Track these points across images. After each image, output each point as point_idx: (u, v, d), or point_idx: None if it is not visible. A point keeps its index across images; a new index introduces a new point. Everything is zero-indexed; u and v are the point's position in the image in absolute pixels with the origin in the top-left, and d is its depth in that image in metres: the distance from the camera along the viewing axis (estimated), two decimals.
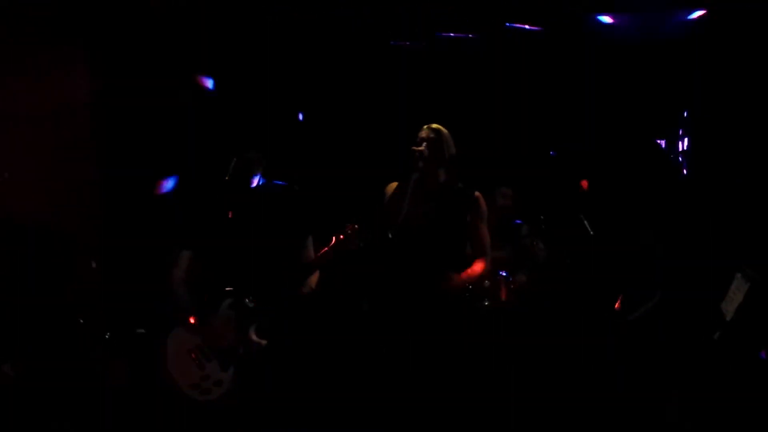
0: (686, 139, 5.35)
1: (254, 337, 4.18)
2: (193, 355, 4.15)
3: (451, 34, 5.84)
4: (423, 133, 4.40)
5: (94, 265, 4.96)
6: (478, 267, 4.35)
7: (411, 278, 4.30)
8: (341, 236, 4.17)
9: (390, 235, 4.40)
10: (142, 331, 5.14)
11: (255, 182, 4.35)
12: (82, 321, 4.89)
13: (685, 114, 5.46)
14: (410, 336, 4.29)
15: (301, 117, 5.46)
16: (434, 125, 4.42)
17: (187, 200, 4.31)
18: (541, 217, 5.30)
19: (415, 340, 4.28)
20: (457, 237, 4.34)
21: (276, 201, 4.37)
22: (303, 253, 4.38)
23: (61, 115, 5.08)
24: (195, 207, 4.29)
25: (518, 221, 5.53)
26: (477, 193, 4.38)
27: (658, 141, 5.03)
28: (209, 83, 5.45)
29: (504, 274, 5.17)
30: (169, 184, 4.88)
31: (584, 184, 5.00)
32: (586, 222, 4.70)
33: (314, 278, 4.38)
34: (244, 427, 4.15)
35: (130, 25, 5.31)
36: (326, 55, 6.00)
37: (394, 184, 4.48)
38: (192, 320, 4.17)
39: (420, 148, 4.34)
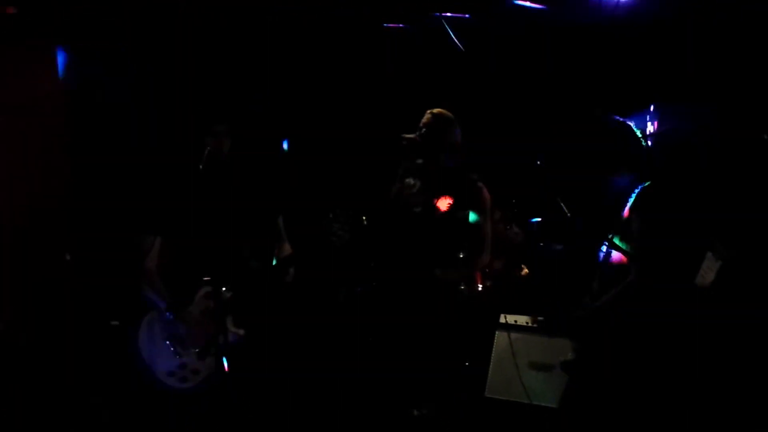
0: (656, 122, 5.40)
1: (232, 327, 4.17)
2: (169, 344, 4.12)
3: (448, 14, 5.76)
4: (424, 119, 4.41)
5: (67, 257, 4.90)
6: (474, 264, 4.37)
7: (403, 265, 4.32)
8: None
9: (365, 221, 4.40)
10: (116, 323, 5.09)
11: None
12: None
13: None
14: (394, 321, 4.32)
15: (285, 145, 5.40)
16: (436, 110, 4.42)
17: (158, 185, 4.25)
18: (513, 201, 5.32)
19: (398, 325, 4.31)
20: (453, 226, 4.34)
21: (246, 178, 4.33)
22: (275, 234, 4.36)
23: (32, 108, 5.01)
24: (164, 191, 4.24)
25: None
26: (479, 184, 4.38)
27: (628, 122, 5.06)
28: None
29: None
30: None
31: None
32: (563, 204, 4.71)
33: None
34: (223, 417, 4.14)
35: (106, 18, 5.24)
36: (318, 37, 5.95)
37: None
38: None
39: (409, 136, 4.35)
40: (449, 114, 4.42)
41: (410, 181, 4.46)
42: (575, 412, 3.86)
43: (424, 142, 4.35)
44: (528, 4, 5.45)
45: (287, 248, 4.43)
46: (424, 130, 4.37)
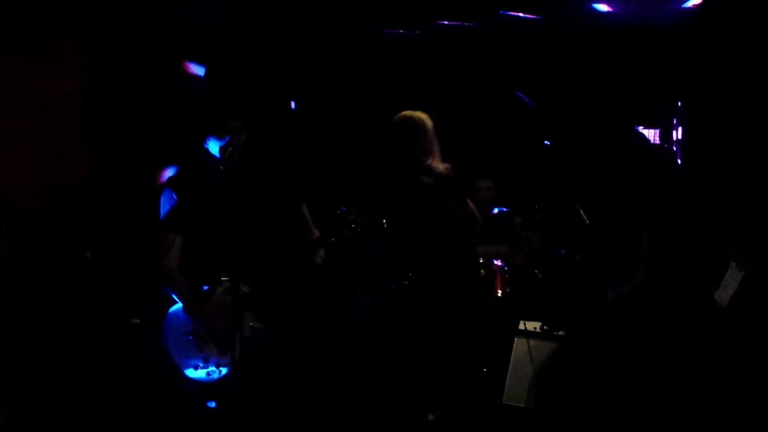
0: (680, 129, 5.35)
1: (251, 322, 4.19)
2: (191, 338, 4.17)
3: (446, 23, 5.80)
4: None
5: (88, 255, 4.94)
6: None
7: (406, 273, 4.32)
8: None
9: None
10: (137, 321, 5.12)
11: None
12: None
13: (680, 104, 5.45)
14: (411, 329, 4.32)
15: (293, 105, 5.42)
16: (403, 114, 4.40)
17: (176, 184, 4.27)
18: (536, 206, 5.30)
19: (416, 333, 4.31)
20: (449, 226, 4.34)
21: (265, 173, 4.33)
22: (300, 221, 4.36)
23: (53, 106, 5.07)
24: (183, 190, 4.27)
25: (501, 209, 5.56)
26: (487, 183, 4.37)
27: (651, 131, 5.03)
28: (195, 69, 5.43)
29: (499, 263, 5.16)
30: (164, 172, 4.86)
31: None
32: (581, 211, 4.69)
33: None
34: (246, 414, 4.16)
35: (122, 16, 5.29)
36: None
37: None
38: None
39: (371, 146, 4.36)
40: (418, 117, 4.37)
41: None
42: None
43: (386, 155, 4.35)
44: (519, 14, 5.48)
45: (316, 232, 4.42)
46: (379, 142, 4.38)
